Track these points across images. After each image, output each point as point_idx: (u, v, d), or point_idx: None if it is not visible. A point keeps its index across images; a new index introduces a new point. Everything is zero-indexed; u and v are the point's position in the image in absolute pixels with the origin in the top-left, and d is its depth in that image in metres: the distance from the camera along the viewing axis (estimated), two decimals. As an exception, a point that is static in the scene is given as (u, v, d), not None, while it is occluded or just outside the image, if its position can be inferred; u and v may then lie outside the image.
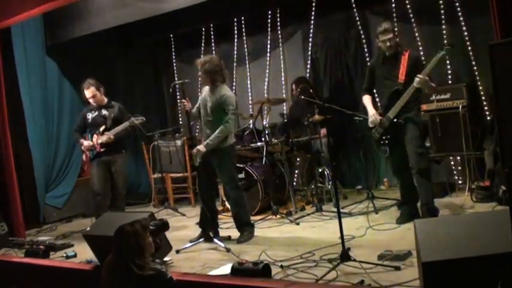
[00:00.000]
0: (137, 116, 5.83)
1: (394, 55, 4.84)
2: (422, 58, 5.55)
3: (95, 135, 5.92)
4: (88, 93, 5.92)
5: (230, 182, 5.12)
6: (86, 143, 5.95)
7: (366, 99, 5.10)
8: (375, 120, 4.91)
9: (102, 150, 5.88)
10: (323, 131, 6.31)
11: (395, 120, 4.80)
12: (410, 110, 4.79)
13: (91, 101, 5.96)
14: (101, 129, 5.89)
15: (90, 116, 6.01)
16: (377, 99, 5.49)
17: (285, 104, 7.45)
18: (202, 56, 8.16)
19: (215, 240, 4.92)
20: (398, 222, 4.90)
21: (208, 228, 5.08)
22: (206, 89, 5.19)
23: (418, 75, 4.61)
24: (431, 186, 4.91)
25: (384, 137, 4.90)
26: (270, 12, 7.56)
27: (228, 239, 5.12)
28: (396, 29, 6.44)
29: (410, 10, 6.42)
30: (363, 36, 6.91)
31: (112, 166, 5.94)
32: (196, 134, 6.48)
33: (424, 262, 2.74)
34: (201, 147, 5.00)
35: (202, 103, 5.18)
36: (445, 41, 4.68)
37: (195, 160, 5.18)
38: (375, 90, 5.37)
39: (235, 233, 5.19)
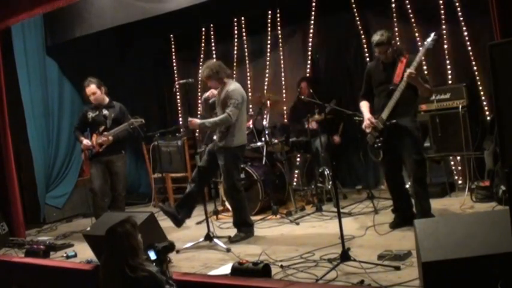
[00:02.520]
0: (136, 118, 5.84)
1: (392, 62, 4.72)
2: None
3: (94, 135, 5.93)
4: (88, 90, 5.91)
5: (230, 182, 5.12)
6: (85, 141, 5.95)
7: (363, 106, 4.90)
8: (370, 124, 4.70)
9: (100, 150, 5.88)
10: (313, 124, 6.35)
11: (387, 122, 4.62)
12: (406, 114, 4.63)
13: (91, 98, 5.94)
14: (101, 129, 5.89)
15: (90, 115, 6.01)
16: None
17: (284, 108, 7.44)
18: (202, 56, 8.20)
19: (215, 240, 4.92)
20: (391, 227, 4.79)
21: (184, 210, 5.18)
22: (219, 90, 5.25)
23: (409, 69, 4.47)
24: (428, 195, 4.76)
25: (377, 140, 4.69)
26: (270, 12, 7.56)
27: (228, 239, 5.11)
28: (396, 31, 6.49)
29: (411, 10, 6.42)
30: (363, 36, 6.91)
31: (111, 167, 5.93)
32: (196, 134, 6.49)
33: (424, 262, 2.74)
34: (196, 120, 5.04)
35: (216, 103, 5.25)
36: (433, 33, 4.52)
37: (197, 160, 5.19)
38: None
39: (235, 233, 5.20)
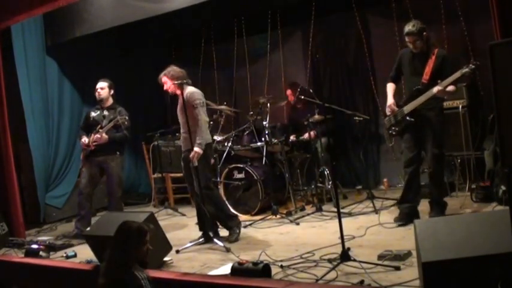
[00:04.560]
0: (122, 115, 5.92)
1: (422, 53, 4.80)
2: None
3: (91, 134, 5.96)
4: (99, 85, 6.03)
5: (204, 183, 5.00)
6: (83, 139, 5.98)
7: (389, 87, 5.06)
8: (390, 110, 4.93)
9: (93, 147, 5.89)
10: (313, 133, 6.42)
11: (407, 117, 4.81)
12: (432, 108, 4.76)
13: (97, 92, 6.02)
14: (97, 127, 5.92)
15: (93, 115, 6.08)
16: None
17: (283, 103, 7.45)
18: (202, 56, 8.20)
19: (215, 240, 4.91)
20: (397, 221, 4.87)
21: (209, 228, 5.08)
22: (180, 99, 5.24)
23: (438, 85, 4.57)
24: (442, 185, 4.96)
25: (393, 127, 4.94)
26: (270, 12, 7.56)
27: (228, 239, 5.11)
28: (396, 30, 6.49)
29: (411, 10, 6.42)
30: (363, 36, 6.91)
31: (105, 167, 5.95)
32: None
33: (424, 262, 2.74)
34: (196, 149, 4.93)
35: (178, 111, 5.22)
36: (472, 59, 4.58)
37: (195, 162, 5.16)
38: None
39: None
